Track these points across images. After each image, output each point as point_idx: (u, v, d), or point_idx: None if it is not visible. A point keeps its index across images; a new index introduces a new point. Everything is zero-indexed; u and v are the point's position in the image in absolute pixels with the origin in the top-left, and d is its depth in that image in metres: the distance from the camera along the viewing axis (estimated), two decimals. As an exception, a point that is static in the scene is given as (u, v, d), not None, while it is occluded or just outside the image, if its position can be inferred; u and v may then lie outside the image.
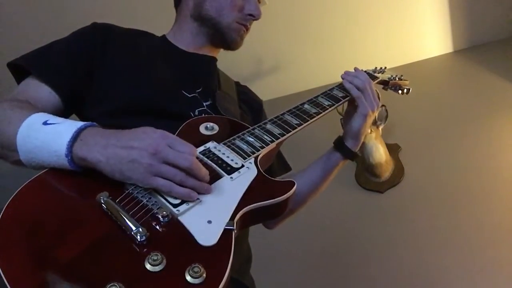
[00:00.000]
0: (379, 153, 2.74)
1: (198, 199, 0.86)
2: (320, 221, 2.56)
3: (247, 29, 1.34)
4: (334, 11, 2.94)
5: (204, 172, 0.87)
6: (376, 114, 1.27)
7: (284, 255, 2.67)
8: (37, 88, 1.09)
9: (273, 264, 2.48)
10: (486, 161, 2.60)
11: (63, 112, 1.12)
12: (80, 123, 0.90)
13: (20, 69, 1.13)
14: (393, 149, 2.89)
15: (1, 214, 0.76)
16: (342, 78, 1.28)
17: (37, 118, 0.92)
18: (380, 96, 2.34)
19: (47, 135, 0.88)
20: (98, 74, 1.15)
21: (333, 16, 2.97)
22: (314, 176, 1.32)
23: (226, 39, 1.31)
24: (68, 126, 0.89)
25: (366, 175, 2.85)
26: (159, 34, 1.39)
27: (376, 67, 1.49)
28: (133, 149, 0.83)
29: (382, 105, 2.60)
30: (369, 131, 2.63)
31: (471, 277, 2.23)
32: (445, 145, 2.78)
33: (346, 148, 1.26)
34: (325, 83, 3.35)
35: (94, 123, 0.92)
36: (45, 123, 0.90)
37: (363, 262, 2.54)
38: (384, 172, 2.79)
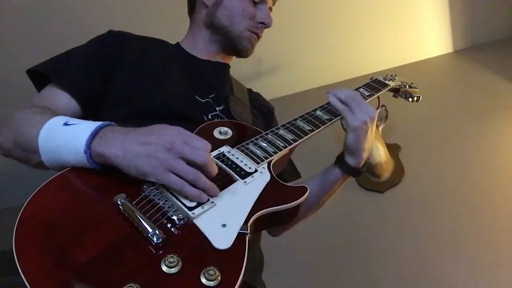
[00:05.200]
0: (379, 153, 2.76)
1: (212, 202, 0.87)
2: (320, 221, 2.56)
3: (258, 37, 1.37)
4: (334, 11, 2.95)
5: (215, 169, 0.88)
6: (373, 125, 1.19)
7: (286, 256, 2.68)
8: (56, 95, 1.12)
9: (275, 265, 2.49)
10: (486, 160, 2.62)
11: (81, 117, 1.14)
12: (99, 122, 0.92)
13: (39, 75, 1.16)
14: (393, 149, 2.90)
15: (20, 213, 0.78)
16: (327, 93, 1.24)
17: (58, 120, 0.94)
18: (380, 97, 2.35)
19: (68, 135, 0.90)
20: (115, 80, 1.17)
21: (333, 16, 2.98)
22: (315, 188, 1.27)
23: (238, 47, 1.34)
24: (88, 125, 0.91)
25: (366, 175, 2.86)
26: (173, 42, 1.41)
27: (386, 75, 1.50)
28: (150, 145, 0.85)
29: (382, 105, 2.61)
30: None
31: (471, 277, 2.25)
32: (445, 145, 2.80)
33: (346, 164, 1.22)
34: (325, 83, 3.36)
35: (113, 122, 0.94)
36: (65, 124, 0.93)
37: (363, 262, 2.55)
38: (384, 172, 2.80)
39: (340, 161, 1.24)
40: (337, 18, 3.00)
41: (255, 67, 3.26)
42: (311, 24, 3.03)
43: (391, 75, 1.50)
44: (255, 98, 1.48)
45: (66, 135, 0.90)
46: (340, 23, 3.04)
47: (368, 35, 3.13)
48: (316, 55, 3.26)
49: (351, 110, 1.17)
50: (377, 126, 2.73)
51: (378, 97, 2.35)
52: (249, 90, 1.50)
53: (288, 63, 3.32)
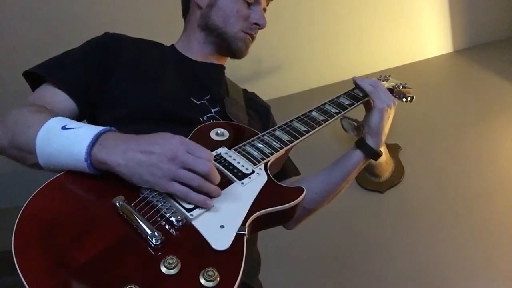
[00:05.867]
0: (379, 153, 2.75)
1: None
2: (320, 221, 2.57)
3: (253, 38, 1.37)
4: (333, 12, 2.95)
5: (218, 178, 0.90)
6: (393, 112, 1.30)
7: (284, 256, 2.69)
8: (53, 94, 1.12)
9: (274, 265, 2.50)
10: (486, 160, 2.62)
11: (78, 117, 1.14)
12: (99, 128, 0.92)
13: (35, 77, 1.16)
14: (393, 149, 2.90)
15: (19, 215, 0.78)
16: (354, 81, 1.34)
17: (56, 122, 0.94)
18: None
19: (67, 140, 0.90)
20: (111, 81, 1.18)
21: (333, 16, 2.98)
22: (333, 175, 1.32)
23: (232, 48, 1.35)
24: (87, 131, 0.91)
25: (366, 175, 2.87)
26: (167, 43, 1.41)
27: (380, 75, 1.51)
28: (152, 154, 0.86)
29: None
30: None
31: (471, 277, 2.25)
32: (445, 145, 2.80)
33: (368, 146, 1.28)
34: (325, 83, 3.36)
35: (112, 127, 0.95)
36: (64, 128, 0.92)
37: (363, 262, 2.56)
38: (384, 172, 2.80)
39: (361, 144, 1.30)
40: (337, 18, 3.00)
41: (255, 67, 3.26)
42: (311, 24, 3.03)
43: (385, 76, 1.51)
44: (250, 98, 1.49)
45: (65, 140, 0.90)
46: (340, 23, 3.03)
47: (368, 35, 3.12)
48: (316, 55, 3.26)
49: (378, 93, 1.26)
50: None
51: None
52: (244, 91, 1.50)
53: (288, 63, 3.32)
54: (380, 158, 2.75)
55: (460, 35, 3.18)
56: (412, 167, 2.81)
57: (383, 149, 2.74)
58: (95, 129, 0.91)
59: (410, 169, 2.81)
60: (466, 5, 2.97)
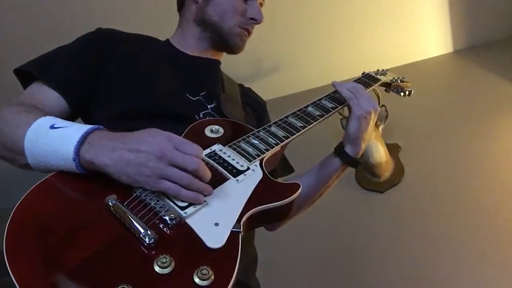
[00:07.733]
0: (379, 153, 2.75)
1: (205, 201, 0.87)
2: (320, 221, 2.57)
3: (249, 33, 1.36)
4: (334, 12, 2.95)
5: (209, 174, 0.88)
6: (375, 117, 1.24)
7: (284, 255, 2.68)
8: (44, 93, 1.10)
9: (273, 265, 2.49)
10: (486, 160, 2.61)
11: (70, 116, 1.13)
12: (86, 127, 0.90)
13: (26, 74, 1.14)
14: (393, 149, 2.89)
15: (10, 217, 0.77)
16: (333, 85, 1.29)
17: (44, 122, 0.92)
18: (380, 95, 2.34)
19: (54, 140, 0.88)
20: (104, 79, 1.16)
21: (333, 16, 2.98)
22: (312, 181, 1.30)
23: (228, 43, 1.32)
24: (75, 130, 0.89)
25: (366, 175, 2.86)
26: (163, 38, 1.40)
27: (378, 69, 1.50)
28: (140, 153, 0.84)
29: (382, 105, 2.61)
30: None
31: (471, 277, 2.24)
32: (445, 145, 2.79)
33: (345, 154, 1.24)
34: (324, 83, 3.34)
35: (101, 126, 0.93)
36: (52, 127, 0.90)
37: (363, 262, 2.55)
38: (384, 172, 2.79)
39: (339, 151, 1.26)
40: (337, 18, 2.99)
41: (255, 67, 3.26)
42: (311, 24, 3.03)
43: (383, 70, 1.50)
44: (247, 94, 1.47)
45: (53, 140, 0.88)
46: (340, 23, 3.03)
47: (368, 35, 3.12)
48: (316, 55, 3.26)
49: (357, 99, 1.21)
50: (377, 126, 2.72)
51: (378, 97, 2.34)
52: (241, 86, 1.48)
53: (288, 63, 3.32)
54: (380, 158, 2.74)
55: (460, 35, 3.18)
56: (412, 167, 2.80)
57: (383, 149, 2.76)
58: (83, 128, 0.89)
59: (410, 169, 2.80)
60: (466, 5, 2.97)
